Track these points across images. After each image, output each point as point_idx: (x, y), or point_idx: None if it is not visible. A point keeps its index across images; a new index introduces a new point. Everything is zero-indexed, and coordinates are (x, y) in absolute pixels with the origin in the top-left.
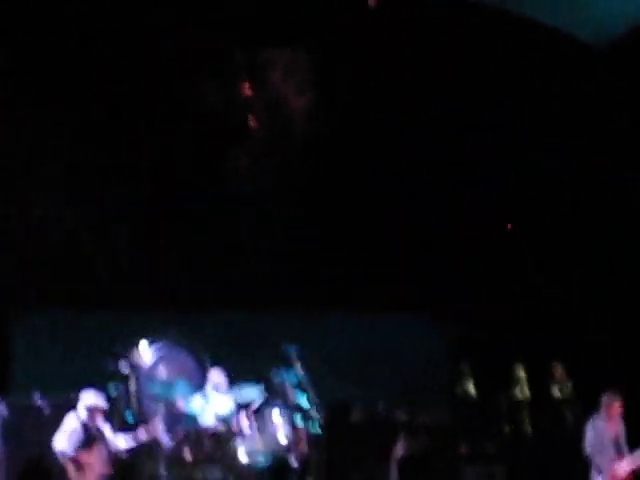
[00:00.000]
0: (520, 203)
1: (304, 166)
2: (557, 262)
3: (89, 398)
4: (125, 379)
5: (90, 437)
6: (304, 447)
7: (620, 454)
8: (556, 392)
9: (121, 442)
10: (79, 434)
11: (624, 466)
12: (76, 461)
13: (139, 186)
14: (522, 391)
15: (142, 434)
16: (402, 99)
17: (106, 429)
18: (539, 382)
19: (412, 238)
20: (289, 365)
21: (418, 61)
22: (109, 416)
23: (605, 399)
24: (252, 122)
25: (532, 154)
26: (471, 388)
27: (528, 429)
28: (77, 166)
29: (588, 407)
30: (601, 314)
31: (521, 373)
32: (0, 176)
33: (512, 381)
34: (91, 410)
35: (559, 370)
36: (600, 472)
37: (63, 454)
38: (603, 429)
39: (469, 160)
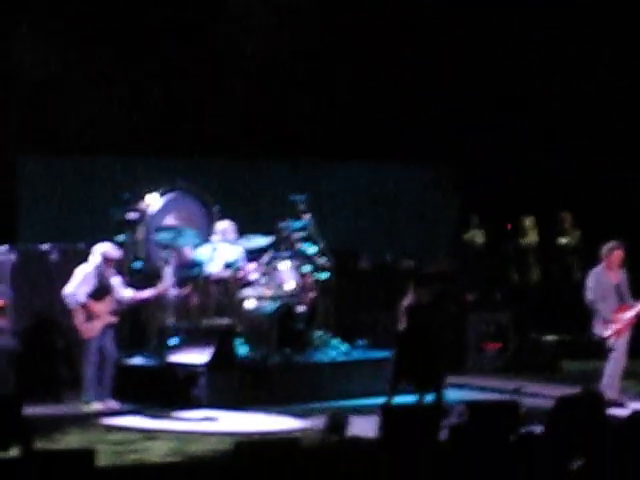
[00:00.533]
0: None
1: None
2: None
3: (104, 248)
4: (134, 227)
5: (102, 288)
6: (312, 294)
7: (622, 302)
8: (564, 241)
9: (127, 294)
10: (91, 282)
11: (626, 313)
12: (86, 308)
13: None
14: (530, 240)
15: (152, 293)
16: None
17: (116, 279)
18: (548, 231)
19: (418, 86)
20: (297, 214)
21: None
22: (118, 265)
23: (605, 248)
24: None
25: None
26: (479, 237)
27: (535, 277)
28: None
29: (595, 256)
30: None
31: (529, 222)
32: None
33: (520, 230)
34: (105, 260)
35: (568, 219)
36: (603, 319)
37: (73, 301)
38: (604, 277)
39: None
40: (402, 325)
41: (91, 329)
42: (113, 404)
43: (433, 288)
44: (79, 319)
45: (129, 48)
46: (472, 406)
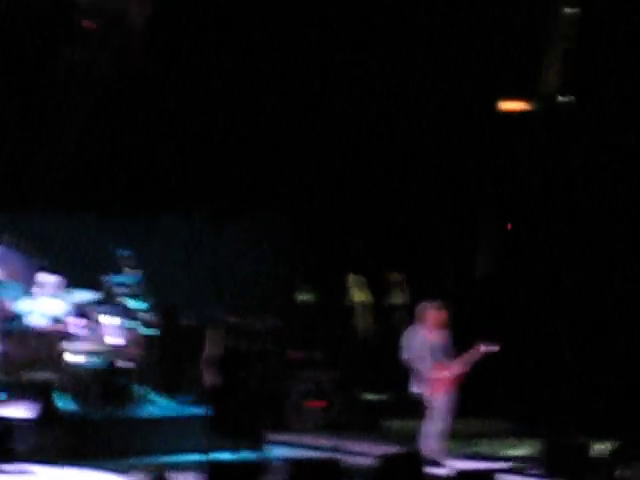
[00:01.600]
0: None
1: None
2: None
3: None
4: None
5: None
6: (135, 349)
7: (438, 361)
8: (392, 299)
9: None
10: None
11: (442, 371)
12: None
13: None
14: (356, 298)
15: None
16: None
17: None
18: (377, 289)
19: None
20: (123, 269)
21: None
22: None
23: (419, 308)
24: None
25: None
26: (305, 295)
27: (360, 334)
28: None
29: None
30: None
31: (352, 281)
32: None
33: (346, 288)
34: None
35: (397, 278)
36: (420, 378)
37: None
38: (420, 336)
39: None
40: (208, 378)
41: None
42: None
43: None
44: None
45: None
46: (293, 464)
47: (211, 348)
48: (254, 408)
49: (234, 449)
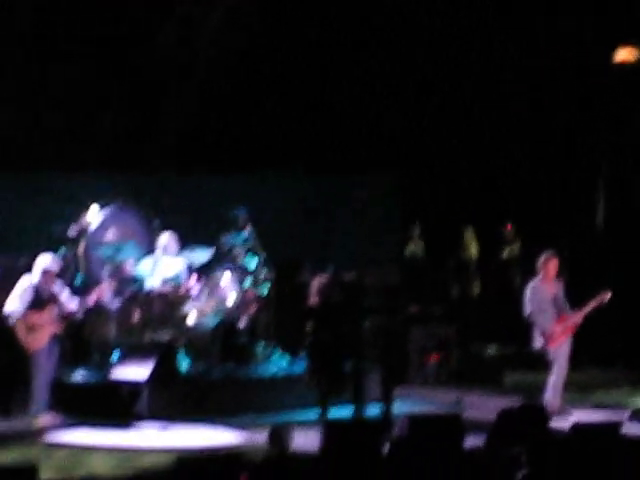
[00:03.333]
0: None
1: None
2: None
3: (45, 261)
4: (74, 242)
5: (42, 299)
6: (253, 307)
7: (560, 314)
8: (505, 253)
9: (72, 305)
10: (31, 296)
11: (564, 323)
12: (27, 321)
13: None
14: (470, 252)
15: (92, 298)
16: None
17: (58, 292)
18: (489, 243)
19: (352, 98)
20: (238, 227)
21: None
22: (60, 279)
23: (541, 259)
24: None
25: None
26: (420, 250)
27: (476, 290)
28: None
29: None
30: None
31: (469, 235)
32: None
33: (460, 243)
34: (45, 273)
35: (509, 231)
36: (541, 331)
37: (14, 314)
38: (541, 290)
39: None
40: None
41: (35, 341)
42: (54, 418)
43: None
44: (21, 333)
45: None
46: (414, 419)
47: (313, 300)
48: (358, 362)
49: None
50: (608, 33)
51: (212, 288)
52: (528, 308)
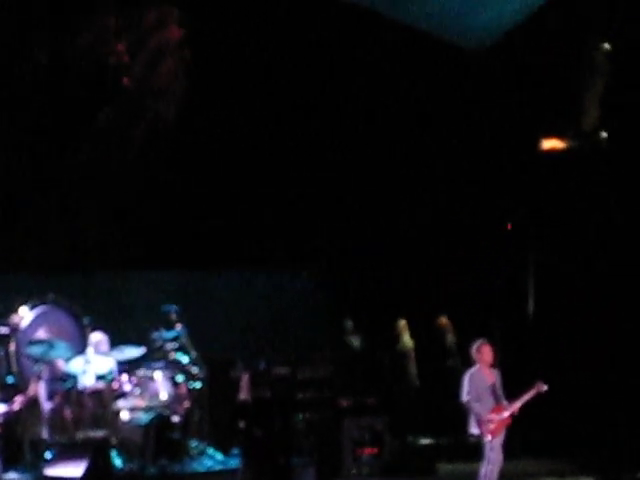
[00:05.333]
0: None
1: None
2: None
3: None
4: (5, 341)
5: None
6: (186, 403)
7: (497, 403)
8: (440, 343)
9: (1, 407)
10: None
11: (501, 413)
12: None
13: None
14: (405, 344)
15: (24, 397)
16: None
17: None
18: (423, 333)
19: (292, 195)
20: (169, 324)
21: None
22: None
23: (474, 347)
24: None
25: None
26: (355, 342)
27: (412, 381)
28: None
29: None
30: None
31: (403, 326)
32: None
33: (395, 334)
34: None
35: (443, 321)
36: (478, 419)
37: None
38: (479, 377)
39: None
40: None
41: None
42: None
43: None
44: None
45: None
46: None
47: (244, 396)
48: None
49: None
50: (536, 122)
51: (144, 385)
52: (465, 395)
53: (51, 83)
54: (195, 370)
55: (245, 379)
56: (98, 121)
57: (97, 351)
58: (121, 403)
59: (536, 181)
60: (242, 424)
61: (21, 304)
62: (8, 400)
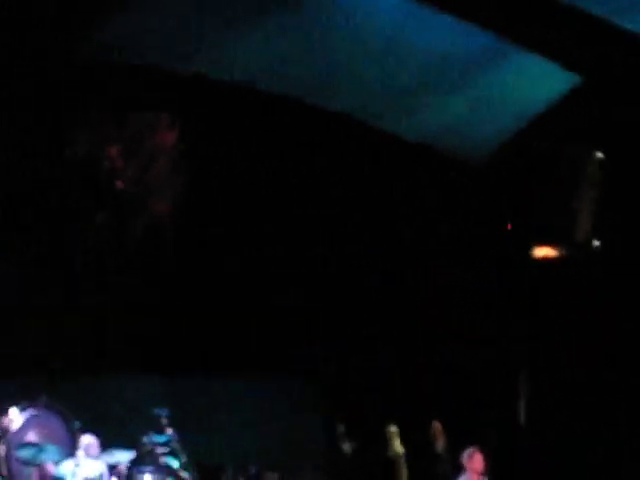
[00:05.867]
0: None
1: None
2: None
3: None
4: None
5: None
6: None
7: None
8: (431, 448)
9: None
10: None
11: None
12: None
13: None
14: (395, 450)
15: None
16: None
17: None
18: (414, 438)
19: (281, 305)
20: (160, 428)
21: None
22: None
23: (465, 455)
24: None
25: None
26: (346, 448)
27: None
28: None
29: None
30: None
31: (394, 432)
32: None
33: (386, 439)
34: None
35: (437, 427)
36: None
37: None
38: None
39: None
40: None
41: None
42: None
43: None
44: None
45: None
46: None
47: None
48: None
49: None
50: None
51: None
52: None
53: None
54: (185, 475)
55: None
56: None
57: (87, 454)
58: None
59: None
60: None
61: (10, 407)
62: None
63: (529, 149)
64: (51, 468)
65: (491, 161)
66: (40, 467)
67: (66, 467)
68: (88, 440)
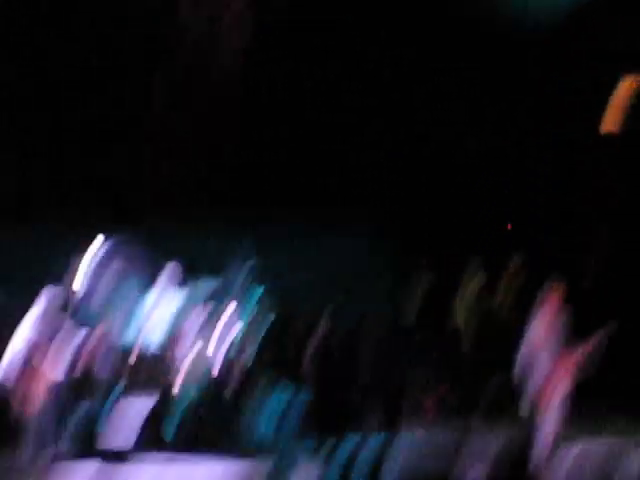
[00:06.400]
0: None
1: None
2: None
3: (27, 329)
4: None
5: (30, 366)
6: (239, 376)
7: (565, 349)
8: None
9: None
10: (19, 363)
11: (569, 357)
12: (16, 391)
13: None
14: (475, 287)
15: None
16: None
17: (44, 360)
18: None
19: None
20: (244, 261)
21: None
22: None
23: (545, 289)
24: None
25: None
26: (422, 294)
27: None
28: None
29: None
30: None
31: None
32: None
33: (465, 279)
34: (32, 344)
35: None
36: (543, 366)
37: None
38: (544, 322)
39: None
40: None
41: None
42: None
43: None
44: (14, 404)
45: None
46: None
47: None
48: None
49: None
50: None
51: (200, 353)
52: (529, 343)
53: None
54: (264, 313)
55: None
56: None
57: (170, 283)
58: (174, 373)
59: None
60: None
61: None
62: None
63: None
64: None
65: None
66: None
67: (141, 310)
68: (171, 268)
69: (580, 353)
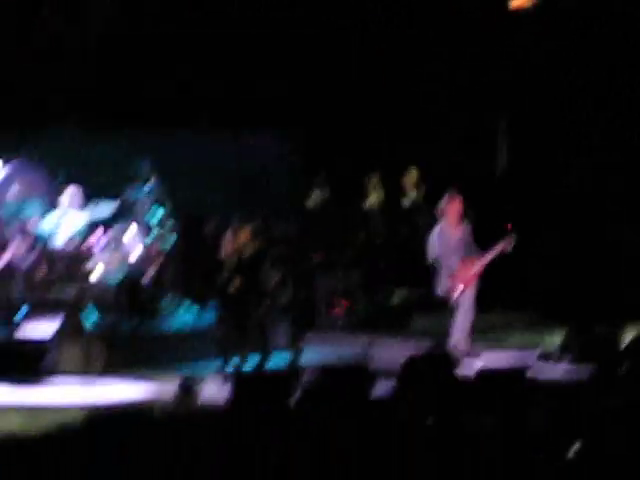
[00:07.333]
0: None
1: None
2: None
3: None
4: None
5: None
6: (159, 259)
7: (467, 256)
8: (410, 198)
9: None
10: None
11: (470, 267)
12: None
13: None
14: (374, 199)
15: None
16: None
17: None
18: (393, 189)
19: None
20: (142, 179)
21: None
22: None
23: (443, 201)
24: None
25: None
26: (324, 198)
27: (382, 236)
28: None
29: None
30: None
31: (374, 182)
32: None
33: (365, 190)
34: None
35: (413, 175)
36: (448, 274)
37: None
38: (447, 233)
39: None
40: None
41: None
42: None
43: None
44: None
45: None
46: (322, 369)
47: (226, 251)
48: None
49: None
50: None
51: (116, 242)
52: (434, 252)
53: None
54: (168, 225)
55: (229, 235)
56: None
57: (70, 207)
58: (93, 261)
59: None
60: (220, 279)
61: None
62: None
63: None
64: (34, 223)
65: None
66: (23, 223)
67: (49, 221)
68: (71, 191)
69: (482, 261)
